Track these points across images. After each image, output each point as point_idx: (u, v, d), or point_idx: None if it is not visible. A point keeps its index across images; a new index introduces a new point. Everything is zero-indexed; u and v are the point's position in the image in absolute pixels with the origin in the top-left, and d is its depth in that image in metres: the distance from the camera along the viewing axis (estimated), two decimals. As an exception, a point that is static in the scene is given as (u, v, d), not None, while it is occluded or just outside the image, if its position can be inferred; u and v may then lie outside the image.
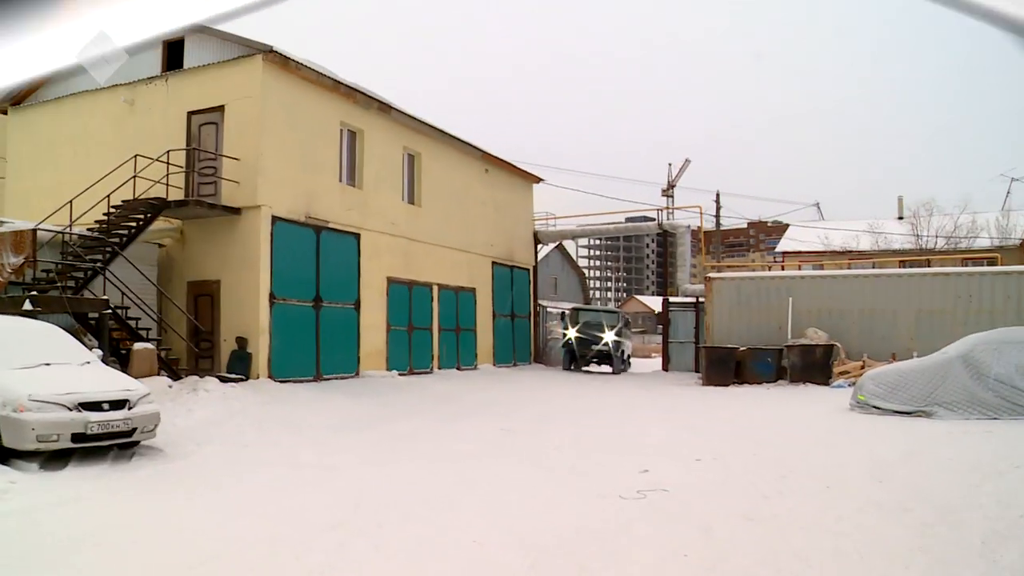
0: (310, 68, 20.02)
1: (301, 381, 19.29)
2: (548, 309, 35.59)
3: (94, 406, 10.58)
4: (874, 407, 15.40)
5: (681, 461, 11.11)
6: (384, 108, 23.04)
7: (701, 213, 36.22)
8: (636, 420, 16.09)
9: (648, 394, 21.84)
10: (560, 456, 11.84)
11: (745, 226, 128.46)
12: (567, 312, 31.79)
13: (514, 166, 31.52)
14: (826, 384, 21.82)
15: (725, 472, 10.22)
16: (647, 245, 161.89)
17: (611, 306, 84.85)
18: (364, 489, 9.50)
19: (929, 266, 30.32)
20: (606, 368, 31.04)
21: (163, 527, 7.68)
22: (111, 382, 11.42)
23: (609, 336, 29.85)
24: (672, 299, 32.72)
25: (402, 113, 23.83)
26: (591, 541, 7.11)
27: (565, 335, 30.26)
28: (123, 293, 17.23)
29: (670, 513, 8.07)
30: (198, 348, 18.81)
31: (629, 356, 33.76)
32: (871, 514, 7.67)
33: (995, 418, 14.28)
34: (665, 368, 31.60)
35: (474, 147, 28.21)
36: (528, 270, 33.45)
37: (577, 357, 30.25)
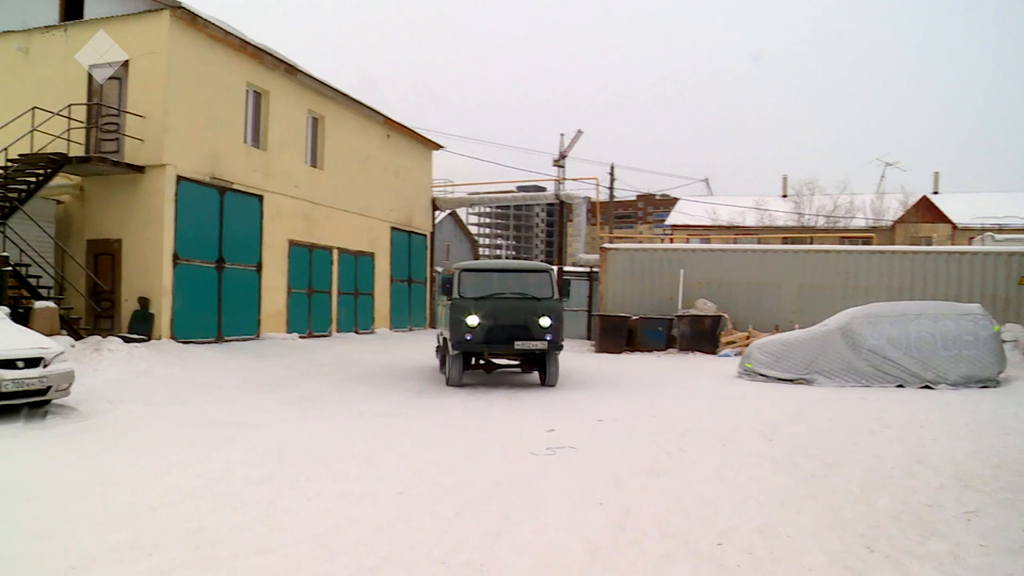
0: (218, 26, 19.78)
1: (203, 342, 19.27)
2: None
3: (8, 364, 10.56)
4: (760, 374, 16.43)
5: (584, 422, 11.76)
6: (290, 70, 22.93)
7: (598, 185, 37.43)
8: (535, 382, 16.70)
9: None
10: (467, 415, 12.40)
11: (634, 198, 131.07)
12: (459, 273, 15.85)
13: (415, 132, 31.65)
14: (714, 353, 22.89)
15: (627, 431, 10.90)
16: (536, 214, 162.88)
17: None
18: (285, 445, 9.84)
19: (811, 243, 31.92)
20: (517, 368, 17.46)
21: (93, 482, 7.86)
22: (25, 340, 11.37)
23: (545, 320, 15.27)
24: (566, 268, 33.50)
25: (308, 76, 23.73)
26: (511, 492, 7.64)
27: (463, 323, 15.10)
28: (21, 250, 16.89)
29: (581, 468, 8.68)
30: (99, 308, 18.56)
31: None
32: (765, 468, 8.46)
33: (868, 385, 15.50)
34: (558, 335, 32.36)
35: (377, 112, 28.23)
36: (425, 236, 33.72)
37: (484, 362, 16.60)
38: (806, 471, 8.25)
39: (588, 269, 31.84)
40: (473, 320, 14.95)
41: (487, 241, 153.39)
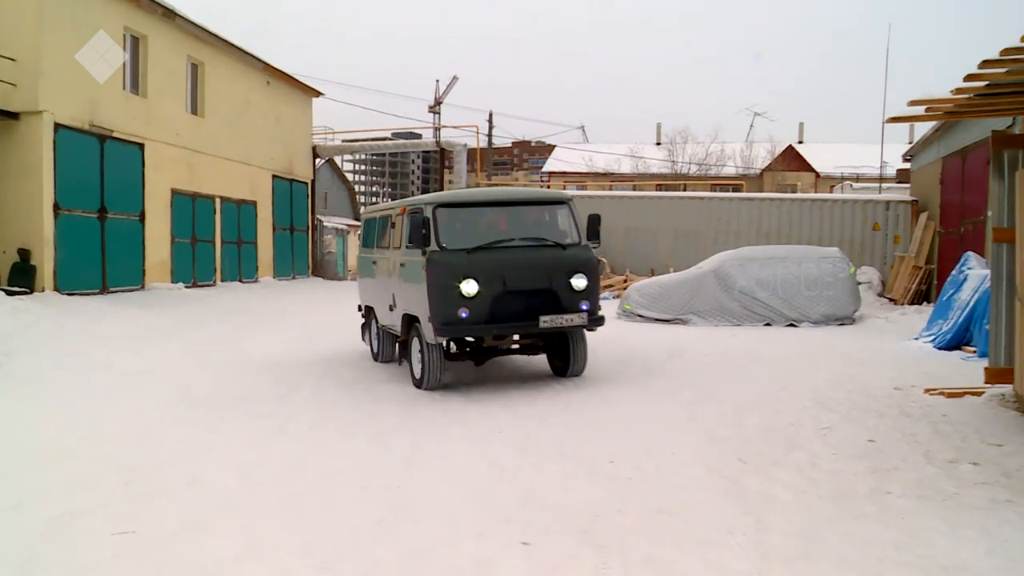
0: (92, -34, 19.22)
1: (88, 294, 19.00)
2: (325, 224, 35.95)
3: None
4: (639, 315, 17.39)
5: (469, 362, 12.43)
6: (168, 14, 22.41)
7: (478, 133, 37.73)
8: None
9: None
10: (363, 357, 12.98)
11: (510, 145, 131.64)
12: (434, 210, 10.11)
13: (295, 79, 31.35)
14: (593, 296, 23.78)
15: (515, 369, 11.62)
16: (412, 161, 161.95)
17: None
18: (191, 390, 10.20)
19: (685, 190, 33.20)
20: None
21: (13, 430, 8.13)
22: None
23: (579, 281, 10.02)
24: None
25: (187, 20, 23.22)
26: (415, 425, 8.29)
27: (454, 292, 9.58)
28: None
29: (477, 402, 9.37)
30: (-24, 260, 18.07)
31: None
32: (650, 398, 9.33)
33: (739, 324, 16.66)
34: (439, 282, 32.85)
35: (256, 58, 27.86)
36: (307, 184, 33.56)
37: (475, 348, 10.89)
38: (685, 399, 9.14)
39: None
40: (470, 287, 9.47)
41: (363, 189, 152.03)
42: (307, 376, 11.24)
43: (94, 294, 19.27)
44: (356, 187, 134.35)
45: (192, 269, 24.18)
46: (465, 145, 34.95)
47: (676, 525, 5.22)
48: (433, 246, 9.77)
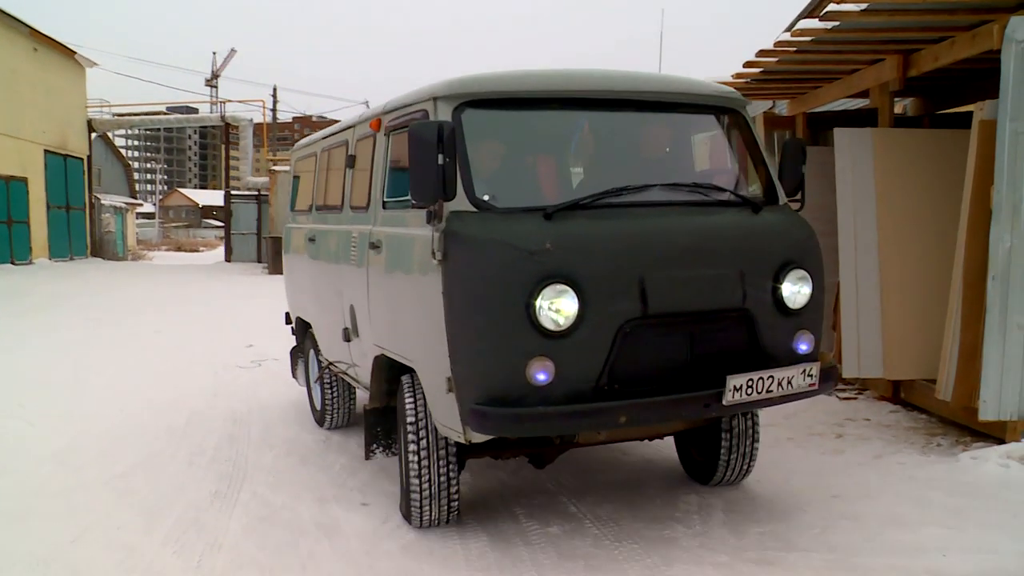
0: None
1: None
2: (103, 202, 34.30)
3: None
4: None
5: (278, 336, 12.36)
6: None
7: (264, 108, 36.91)
8: (221, 305, 16.93)
9: (220, 283, 22.55)
10: (164, 339, 12.62)
11: (291, 120, 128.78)
12: (461, 114, 4.20)
13: (65, 47, 29.55)
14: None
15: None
16: (189, 136, 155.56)
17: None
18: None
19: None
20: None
21: None
22: None
23: (798, 288, 4.29)
24: (234, 192, 33.25)
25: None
26: (234, 398, 8.37)
27: (511, 306, 3.76)
28: None
29: (288, 376, 9.42)
30: None
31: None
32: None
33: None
34: (228, 259, 32.31)
35: (22, 23, 26.07)
36: (82, 159, 31.82)
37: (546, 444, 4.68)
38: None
39: (256, 192, 31.87)
40: (563, 307, 3.82)
41: (137, 166, 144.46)
42: (110, 361, 10.71)
43: None
44: (133, 163, 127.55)
45: (-43, 252, 22.55)
46: (251, 120, 34.13)
47: (499, 477, 5.69)
48: (460, 201, 4.07)
